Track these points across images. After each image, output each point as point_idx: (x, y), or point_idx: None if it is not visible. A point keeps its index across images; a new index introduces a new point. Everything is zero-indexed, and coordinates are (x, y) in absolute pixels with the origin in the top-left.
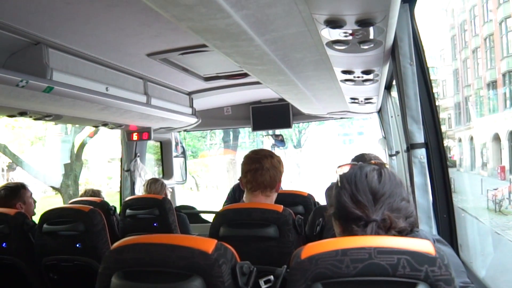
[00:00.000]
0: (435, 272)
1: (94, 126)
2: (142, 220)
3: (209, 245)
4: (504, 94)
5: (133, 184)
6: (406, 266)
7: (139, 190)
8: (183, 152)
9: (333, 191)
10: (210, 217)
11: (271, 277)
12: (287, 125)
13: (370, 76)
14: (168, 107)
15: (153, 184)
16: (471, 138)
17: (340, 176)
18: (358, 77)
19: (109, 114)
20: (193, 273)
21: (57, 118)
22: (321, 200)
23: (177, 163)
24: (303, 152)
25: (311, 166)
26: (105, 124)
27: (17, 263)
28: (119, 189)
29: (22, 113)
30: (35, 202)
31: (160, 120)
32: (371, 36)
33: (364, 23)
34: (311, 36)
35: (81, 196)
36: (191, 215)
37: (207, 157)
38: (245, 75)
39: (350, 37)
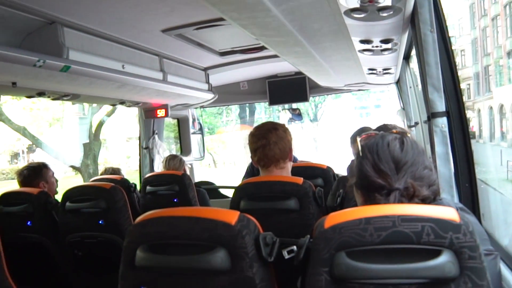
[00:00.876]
0: (459, 239)
1: (111, 105)
2: (162, 196)
3: (232, 216)
4: None
5: (152, 161)
6: (430, 233)
7: (158, 167)
8: (200, 129)
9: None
10: (229, 193)
11: (294, 247)
12: (304, 98)
13: (389, 45)
14: (185, 83)
15: (171, 160)
16: (491, 108)
17: (362, 145)
18: (377, 46)
19: (126, 92)
20: (217, 244)
21: (74, 97)
22: (340, 172)
23: (194, 140)
24: (320, 126)
25: (328, 139)
26: (122, 102)
27: (42, 241)
28: (138, 167)
29: (41, 94)
30: (57, 181)
31: (176, 97)
32: (390, 3)
33: None
34: (329, 4)
35: (101, 175)
36: (210, 190)
37: (223, 133)
38: (261, 48)
39: (369, 4)
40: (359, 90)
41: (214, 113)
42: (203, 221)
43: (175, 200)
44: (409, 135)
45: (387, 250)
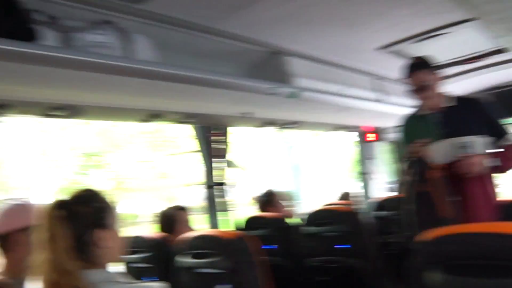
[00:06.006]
0: None
1: (325, 131)
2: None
3: None
4: None
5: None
6: None
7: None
8: None
9: None
10: None
11: None
12: None
13: None
14: (400, 103)
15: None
16: None
17: None
18: None
19: (343, 115)
20: None
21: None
22: None
23: None
24: None
25: None
26: (338, 127)
27: (285, 264)
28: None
29: (270, 123)
30: None
31: (391, 117)
32: None
33: None
34: None
35: (339, 199)
36: None
37: None
38: (483, 56)
39: None
40: None
41: None
42: None
43: None
44: None
45: None
